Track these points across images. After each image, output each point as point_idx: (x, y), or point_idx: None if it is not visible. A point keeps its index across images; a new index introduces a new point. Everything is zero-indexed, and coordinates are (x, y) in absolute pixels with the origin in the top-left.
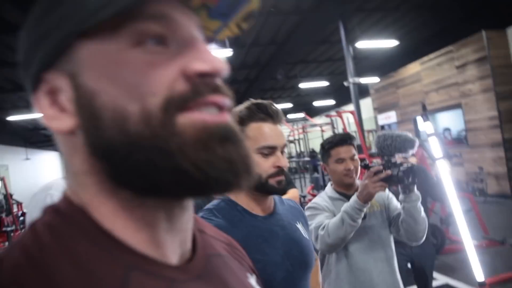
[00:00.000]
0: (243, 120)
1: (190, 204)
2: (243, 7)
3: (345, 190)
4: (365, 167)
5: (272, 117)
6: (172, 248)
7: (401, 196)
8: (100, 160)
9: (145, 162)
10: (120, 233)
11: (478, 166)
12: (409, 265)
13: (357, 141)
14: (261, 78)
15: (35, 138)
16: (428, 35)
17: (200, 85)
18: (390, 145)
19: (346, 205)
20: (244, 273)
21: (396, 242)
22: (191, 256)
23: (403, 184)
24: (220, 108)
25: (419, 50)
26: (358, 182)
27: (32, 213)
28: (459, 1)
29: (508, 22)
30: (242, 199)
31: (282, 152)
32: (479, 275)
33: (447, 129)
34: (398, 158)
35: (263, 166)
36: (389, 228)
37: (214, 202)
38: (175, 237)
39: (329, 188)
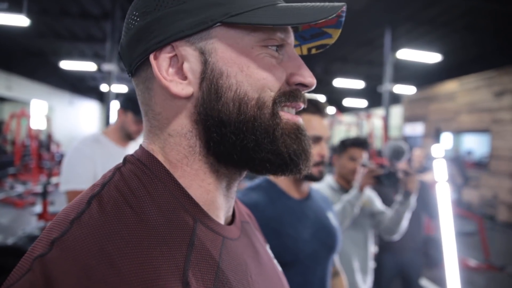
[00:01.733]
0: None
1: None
2: (323, 40)
3: (345, 184)
4: (363, 165)
5: (321, 111)
6: (224, 212)
7: (399, 197)
8: (206, 128)
9: (253, 140)
10: (192, 192)
11: (494, 192)
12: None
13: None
14: None
15: (80, 86)
16: (473, 56)
17: (297, 92)
18: (387, 153)
19: (347, 195)
20: (263, 240)
21: (386, 250)
22: (231, 220)
23: (385, 185)
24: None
25: (460, 69)
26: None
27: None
28: (510, 28)
29: None
30: (282, 180)
31: (326, 143)
32: None
33: (469, 152)
34: (400, 165)
35: None
36: (370, 223)
37: (256, 181)
38: (228, 203)
39: (331, 179)
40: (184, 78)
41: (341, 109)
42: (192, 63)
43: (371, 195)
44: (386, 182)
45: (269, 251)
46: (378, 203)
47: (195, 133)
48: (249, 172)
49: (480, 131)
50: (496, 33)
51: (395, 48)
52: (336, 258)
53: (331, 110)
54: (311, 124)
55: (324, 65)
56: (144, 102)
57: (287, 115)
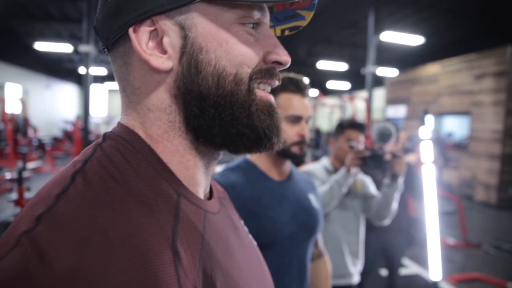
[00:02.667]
0: (275, 90)
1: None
2: (296, 21)
3: (340, 166)
4: (351, 147)
5: (302, 90)
6: (203, 188)
7: (386, 180)
8: (185, 102)
9: (230, 114)
10: (173, 167)
11: (472, 173)
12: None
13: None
14: None
15: (58, 68)
16: (456, 39)
17: (272, 70)
18: (374, 135)
19: (335, 175)
20: (238, 216)
21: (370, 231)
22: (209, 196)
23: (369, 166)
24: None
25: (442, 52)
26: None
27: None
28: (491, 11)
29: None
30: (262, 161)
31: (306, 123)
32: (436, 274)
33: (450, 134)
34: (389, 147)
35: (289, 133)
36: (362, 207)
37: (235, 162)
38: (206, 180)
39: (326, 161)
40: (164, 52)
41: (325, 92)
42: (172, 37)
43: (366, 180)
44: (371, 163)
45: (245, 227)
46: (372, 188)
47: (174, 107)
48: (227, 152)
49: (461, 113)
50: (479, 16)
51: (378, 30)
52: (320, 240)
53: (314, 92)
54: (292, 104)
55: (308, 47)
56: (122, 77)
57: (261, 92)
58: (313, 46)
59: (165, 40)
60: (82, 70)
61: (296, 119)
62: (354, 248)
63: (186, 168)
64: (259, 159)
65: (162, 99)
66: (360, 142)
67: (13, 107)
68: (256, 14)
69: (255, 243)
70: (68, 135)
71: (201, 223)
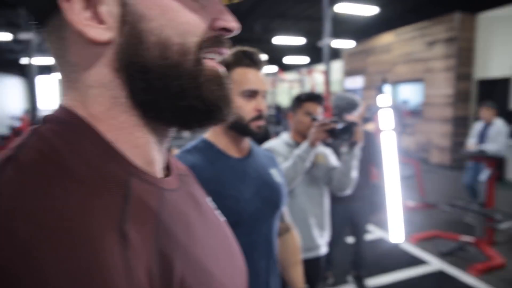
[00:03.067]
0: (229, 65)
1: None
2: None
3: (302, 140)
4: (314, 119)
5: (257, 64)
6: (157, 166)
7: (344, 149)
8: (129, 76)
9: (178, 85)
10: (121, 146)
11: (427, 138)
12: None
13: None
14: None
15: None
16: (408, 8)
17: (221, 37)
18: (339, 105)
19: (297, 150)
20: (204, 193)
21: (336, 201)
22: (167, 173)
23: (340, 138)
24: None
25: (396, 21)
26: None
27: None
28: None
29: (480, 7)
30: (220, 139)
31: (263, 97)
32: (397, 236)
33: (405, 101)
34: (350, 117)
35: (245, 109)
36: (324, 179)
37: (192, 143)
38: (160, 157)
39: (286, 136)
40: (102, 22)
41: (283, 67)
42: (109, 5)
43: (326, 152)
44: (343, 135)
45: (211, 203)
46: (333, 160)
47: (117, 82)
48: (179, 128)
49: (415, 81)
50: None
51: (333, 2)
52: (287, 214)
53: (272, 68)
54: (247, 78)
55: (263, 23)
56: (59, 54)
57: (210, 62)
58: (268, 22)
59: (102, 9)
60: (24, 60)
61: (252, 94)
62: (320, 220)
63: (136, 146)
64: (217, 138)
65: (103, 74)
66: (318, 114)
67: None
68: None
69: (223, 219)
70: (16, 131)
71: (155, 201)
